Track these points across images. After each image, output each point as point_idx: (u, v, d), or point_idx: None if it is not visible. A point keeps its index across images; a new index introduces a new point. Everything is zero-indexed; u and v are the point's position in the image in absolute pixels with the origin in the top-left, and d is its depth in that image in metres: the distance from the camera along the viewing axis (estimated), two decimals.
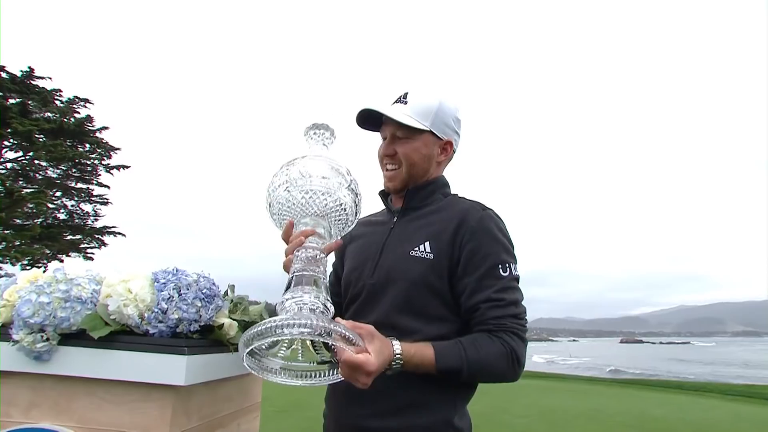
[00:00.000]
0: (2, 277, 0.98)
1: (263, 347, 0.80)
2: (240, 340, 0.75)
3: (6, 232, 14.63)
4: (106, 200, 17.83)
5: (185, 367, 0.84)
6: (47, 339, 0.85)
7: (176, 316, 0.88)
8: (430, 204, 1.15)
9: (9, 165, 15.69)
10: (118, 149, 17.34)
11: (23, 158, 15.72)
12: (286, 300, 0.80)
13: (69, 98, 16.43)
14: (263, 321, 0.72)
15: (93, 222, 17.69)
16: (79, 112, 16.54)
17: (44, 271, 0.93)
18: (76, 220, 17.46)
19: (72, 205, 17.44)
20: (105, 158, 17.27)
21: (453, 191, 1.21)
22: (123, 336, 0.87)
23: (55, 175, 16.71)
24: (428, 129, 1.11)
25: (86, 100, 16.73)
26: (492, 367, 0.96)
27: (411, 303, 1.03)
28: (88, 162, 16.99)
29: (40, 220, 16.29)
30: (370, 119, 1.14)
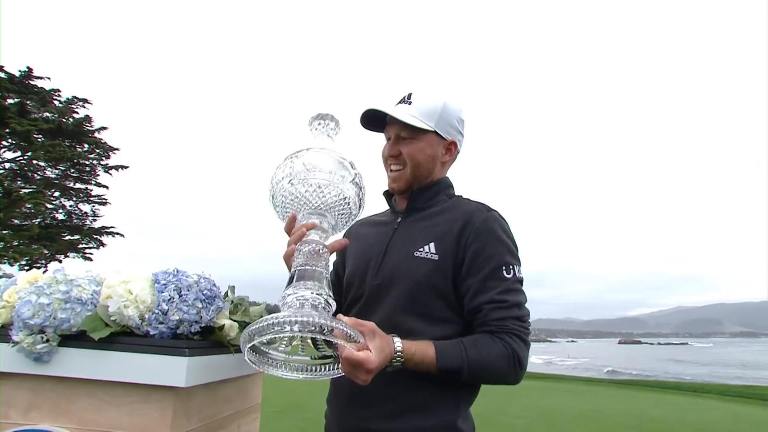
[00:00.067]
0: (1, 277, 0.98)
1: (264, 341, 0.80)
2: (241, 336, 0.75)
3: (4, 232, 14.60)
4: (104, 200, 17.80)
5: (186, 368, 0.83)
6: (47, 340, 0.84)
7: (177, 318, 0.88)
8: (435, 205, 1.15)
9: (7, 165, 15.65)
10: (116, 149, 17.33)
11: (21, 158, 15.68)
12: (288, 295, 0.80)
13: (67, 98, 16.39)
14: (265, 317, 0.72)
15: (91, 222, 17.67)
16: (77, 112, 16.51)
17: (44, 272, 0.92)
18: (75, 221, 17.42)
19: (70, 206, 17.41)
20: (103, 158, 17.24)
21: (456, 193, 1.21)
22: (123, 337, 0.87)
23: (53, 176, 16.68)
24: (433, 129, 1.11)
25: (85, 100, 16.71)
26: (493, 368, 0.96)
27: (415, 303, 1.03)
28: (87, 162, 16.96)
29: (38, 220, 16.24)
30: (373, 120, 1.14)
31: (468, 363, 0.94)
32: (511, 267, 1.02)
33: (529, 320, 1.03)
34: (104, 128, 16.74)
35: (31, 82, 15.52)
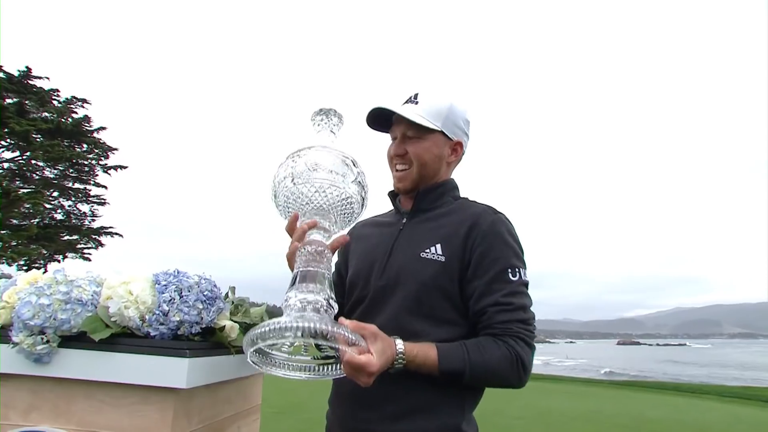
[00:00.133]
0: (1, 278, 0.97)
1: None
2: (243, 339, 0.75)
3: (2, 232, 14.56)
4: (103, 200, 17.75)
5: (187, 369, 0.83)
6: (47, 341, 0.84)
7: (177, 318, 0.88)
8: (440, 206, 1.14)
9: (6, 165, 15.61)
10: (115, 149, 17.30)
11: (20, 158, 15.63)
12: (290, 297, 0.80)
13: (66, 98, 16.37)
14: (267, 322, 0.72)
15: (90, 222, 17.62)
16: (76, 112, 16.48)
17: (43, 272, 0.92)
18: (73, 221, 17.37)
19: (69, 206, 17.36)
20: (102, 158, 17.21)
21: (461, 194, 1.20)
22: (124, 338, 0.87)
23: (52, 176, 16.64)
24: (440, 129, 1.11)
25: (84, 100, 16.68)
26: (495, 371, 0.95)
27: (421, 305, 1.03)
28: (86, 162, 16.92)
29: (36, 220, 16.20)
30: (379, 119, 1.14)
31: (470, 365, 0.93)
32: (516, 270, 1.02)
33: (535, 323, 1.01)
34: (103, 128, 16.74)
35: (29, 81, 15.49)
